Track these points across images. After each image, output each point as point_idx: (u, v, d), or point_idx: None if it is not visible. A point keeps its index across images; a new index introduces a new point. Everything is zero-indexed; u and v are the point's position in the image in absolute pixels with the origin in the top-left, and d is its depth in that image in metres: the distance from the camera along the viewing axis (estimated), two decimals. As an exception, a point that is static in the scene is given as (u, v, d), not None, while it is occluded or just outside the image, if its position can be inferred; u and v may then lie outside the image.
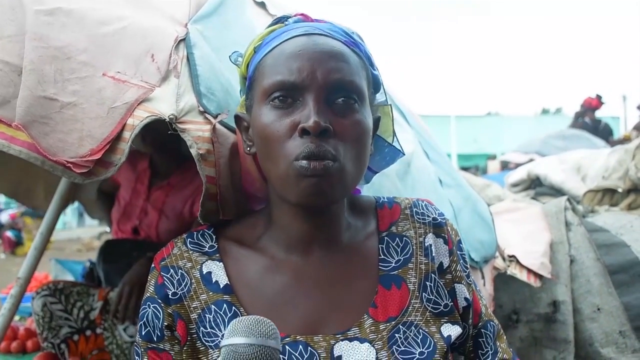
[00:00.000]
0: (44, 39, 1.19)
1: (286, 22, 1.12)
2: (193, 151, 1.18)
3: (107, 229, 3.85)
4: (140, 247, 2.65)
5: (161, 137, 2.43)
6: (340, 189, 1.01)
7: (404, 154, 1.24)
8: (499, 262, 2.42)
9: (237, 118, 1.15)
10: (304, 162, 0.96)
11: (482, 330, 1.18)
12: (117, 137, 1.17)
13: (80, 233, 18.90)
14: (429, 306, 1.10)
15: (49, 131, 1.14)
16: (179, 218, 2.67)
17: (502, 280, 2.48)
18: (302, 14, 1.13)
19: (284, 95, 1.01)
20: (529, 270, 2.51)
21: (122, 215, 2.79)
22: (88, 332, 2.47)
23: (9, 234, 13.91)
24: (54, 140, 1.14)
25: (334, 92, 1.00)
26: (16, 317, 3.43)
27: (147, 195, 2.74)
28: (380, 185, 1.77)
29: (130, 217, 2.77)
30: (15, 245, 13.66)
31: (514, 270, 2.46)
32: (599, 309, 2.51)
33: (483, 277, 2.23)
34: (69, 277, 3.98)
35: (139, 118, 1.19)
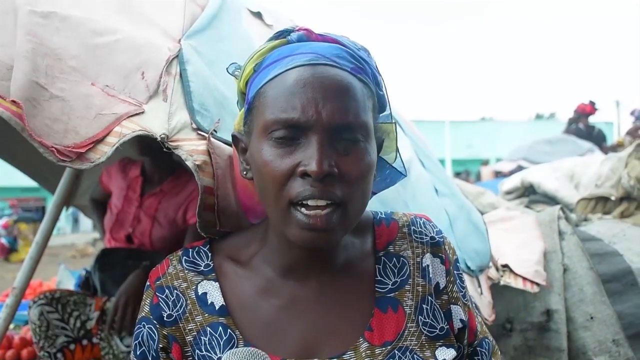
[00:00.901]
0: (37, 36, 1.20)
1: (288, 38, 1.06)
2: (189, 163, 1.18)
3: (102, 236, 3.84)
4: (136, 255, 2.66)
5: (153, 147, 2.45)
6: (342, 234, 1.00)
7: (406, 176, 1.21)
8: (492, 272, 2.43)
9: (235, 138, 1.11)
10: (304, 216, 0.94)
11: (478, 348, 1.17)
12: (102, 140, 1.18)
13: (74, 239, 18.86)
14: (424, 330, 1.08)
15: (37, 114, 1.15)
16: (172, 225, 2.68)
17: (496, 289, 2.49)
18: (305, 29, 1.06)
19: (286, 132, 0.95)
20: (524, 278, 2.52)
21: (115, 223, 2.79)
22: (84, 342, 2.47)
23: (2, 240, 13.85)
24: (40, 124, 1.14)
25: (339, 132, 0.95)
26: (11, 326, 3.43)
27: (140, 202, 2.74)
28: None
29: (124, 224, 2.77)
30: (8, 252, 13.61)
31: (507, 280, 2.47)
32: (592, 318, 2.52)
33: (480, 286, 2.24)
34: (72, 285, 3.99)
35: (129, 129, 1.20)
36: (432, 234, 1.15)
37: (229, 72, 1.16)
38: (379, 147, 1.09)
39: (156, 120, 1.25)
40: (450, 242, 1.19)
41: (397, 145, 1.17)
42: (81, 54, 1.23)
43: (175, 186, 2.71)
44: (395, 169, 1.18)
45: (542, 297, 2.62)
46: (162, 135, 1.21)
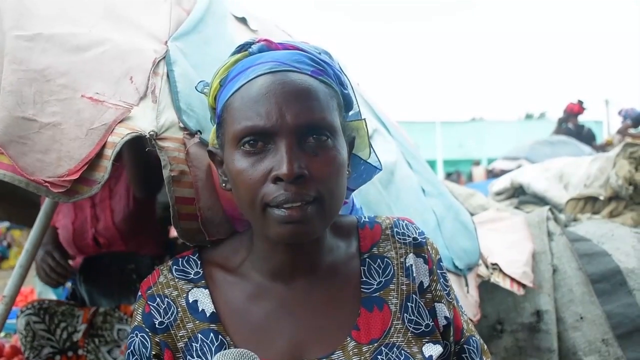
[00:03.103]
0: (24, 62, 1.20)
1: (250, 50, 1.10)
2: (165, 172, 1.19)
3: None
4: (119, 260, 2.64)
5: None
6: (321, 226, 1.02)
7: (381, 170, 1.24)
8: (482, 270, 2.43)
9: (210, 153, 1.14)
10: (281, 211, 0.96)
11: (465, 346, 1.19)
12: (99, 156, 1.18)
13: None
14: (410, 327, 1.11)
15: (27, 151, 1.14)
16: (128, 199, 2.65)
17: (486, 290, 2.50)
18: (265, 40, 1.11)
19: (254, 140, 0.99)
20: (512, 279, 2.53)
21: (74, 234, 2.71)
22: (70, 354, 2.44)
23: (-7, 247, 13.73)
24: (31, 160, 1.14)
25: (306, 133, 0.99)
26: (1, 334, 3.41)
27: (92, 202, 2.69)
28: (366, 193, 1.79)
29: (85, 230, 2.70)
30: (0, 259, 13.50)
31: (497, 279, 2.48)
32: (581, 318, 2.53)
33: (467, 285, 2.24)
34: (51, 294, 3.95)
35: (120, 135, 1.20)
36: (415, 235, 1.18)
37: (197, 90, 1.19)
38: (351, 145, 1.14)
39: (145, 120, 1.25)
40: (433, 242, 1.22)
41: (369, 141, 1.21)
42: (70, 70, 1.23)
43: (116, 169, 2.67)
44: (370, 164, 1.22)
45: (532, 298, 2.64)
46: (151, 132, 1.21)
